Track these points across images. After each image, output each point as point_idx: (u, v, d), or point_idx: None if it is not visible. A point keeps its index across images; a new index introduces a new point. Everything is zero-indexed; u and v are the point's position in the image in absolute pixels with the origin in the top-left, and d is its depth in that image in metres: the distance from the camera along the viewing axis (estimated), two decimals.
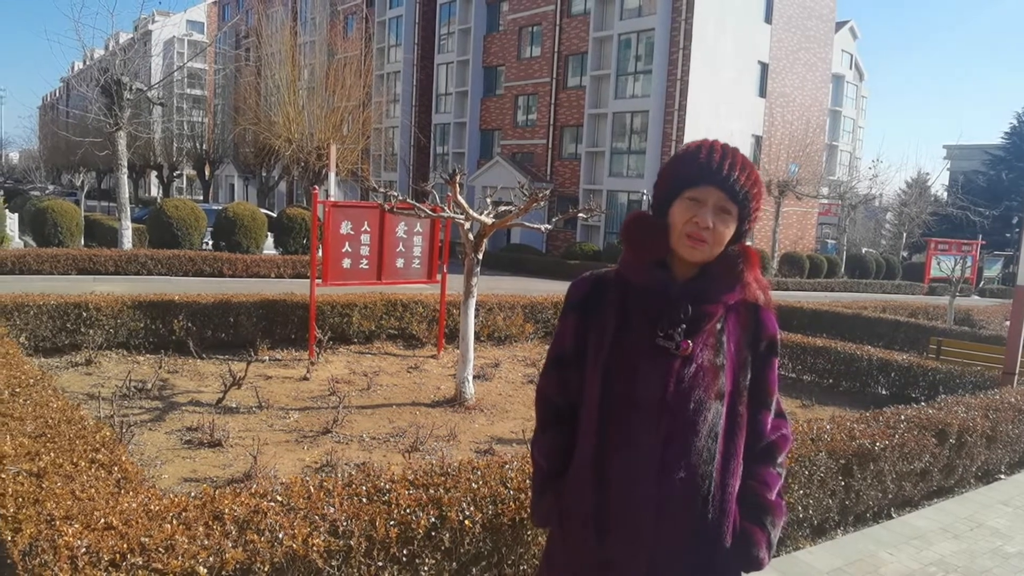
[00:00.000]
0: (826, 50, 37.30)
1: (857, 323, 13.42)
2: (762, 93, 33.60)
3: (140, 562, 2.44)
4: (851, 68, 53.72)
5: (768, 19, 33.08)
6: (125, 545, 2.53)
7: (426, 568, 2.94)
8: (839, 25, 44.61)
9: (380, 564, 2.82)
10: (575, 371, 1.82)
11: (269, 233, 21.66)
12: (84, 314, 8.38)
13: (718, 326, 1.73)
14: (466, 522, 3.02)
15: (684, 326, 1.69)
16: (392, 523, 2.87)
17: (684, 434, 1.67)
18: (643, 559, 1.68)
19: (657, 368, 1.68)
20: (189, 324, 8.83)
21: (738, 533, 1.74)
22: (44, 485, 3.05)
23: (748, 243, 1.79)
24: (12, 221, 20.83)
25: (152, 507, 2.85)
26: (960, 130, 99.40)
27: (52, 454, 3.41)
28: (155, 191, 57.97)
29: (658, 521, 1.67)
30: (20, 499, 2.91)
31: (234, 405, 6.88)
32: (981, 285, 36.90)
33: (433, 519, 2.96)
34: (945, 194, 47.69)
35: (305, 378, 8.14)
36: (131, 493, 3.03)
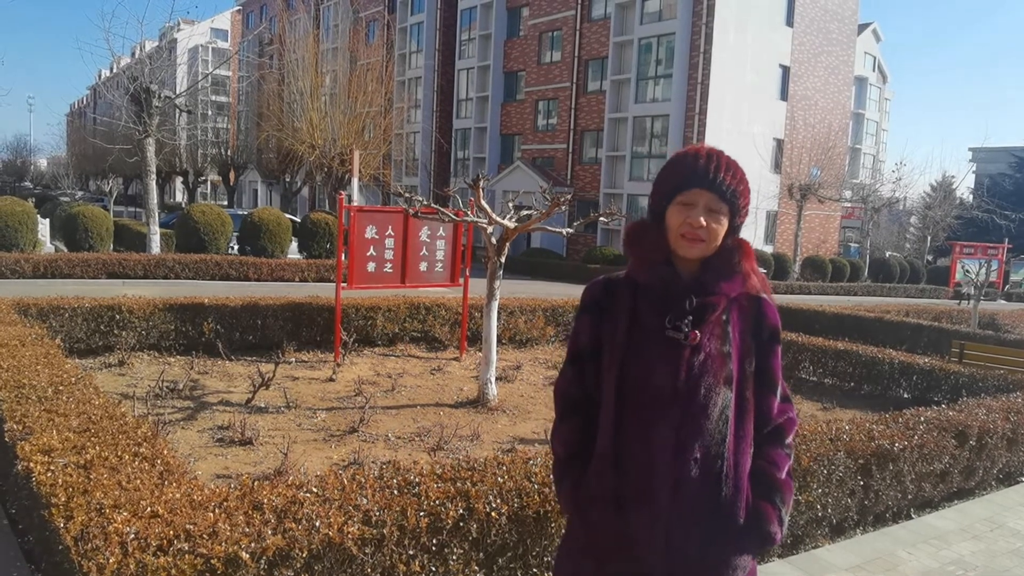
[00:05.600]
0: (848, 53, 37.08)
1: (879, 327, 13.37)
2: (783, 96, 33.48)
3: (186, 547, 2.58)
4: (874, 71, 53.25)
5: (789, 22, 32.97)
6: (171, 532, 2.68)
7: (454, 557, 3.07)
8: (862, 27, 44.29)
9: (411, 553, 2.95)
10: (591, 365, 1.96)
11: (293, 238, 21.95)
12: (117, 316, 8.62)
13: (723, 317, 1.86)
14: (492, 514, 3.15)
15: (690, 317, 1.82)
16: (422, 514, 3.00)
17: (697, 418, 1.80)
18: (660, 535, 1.80)
19: (669, 358, 1.82)
20: (218, 326, 9.04)
21: (751, 510, 1.87)
22: (92, 476, 3.21)
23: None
24: (43, 226, 21.28)
25: (195, 497, 3.00)
26: (986, 132, 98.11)
27: (97, 448, 3.57)
28: (180, 196, 58.81)
29: (675, 499, 1.79)
30: (70, 489, 3.06)
31: (263, 405, 7.05)
32: (1007, 289, 36.42)
33: (461, 510, 3.08)
34: (970, 197, 47.17)
35: (331, 379, 8.31)
36: (174, 484, 3.18)
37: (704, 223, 1.80)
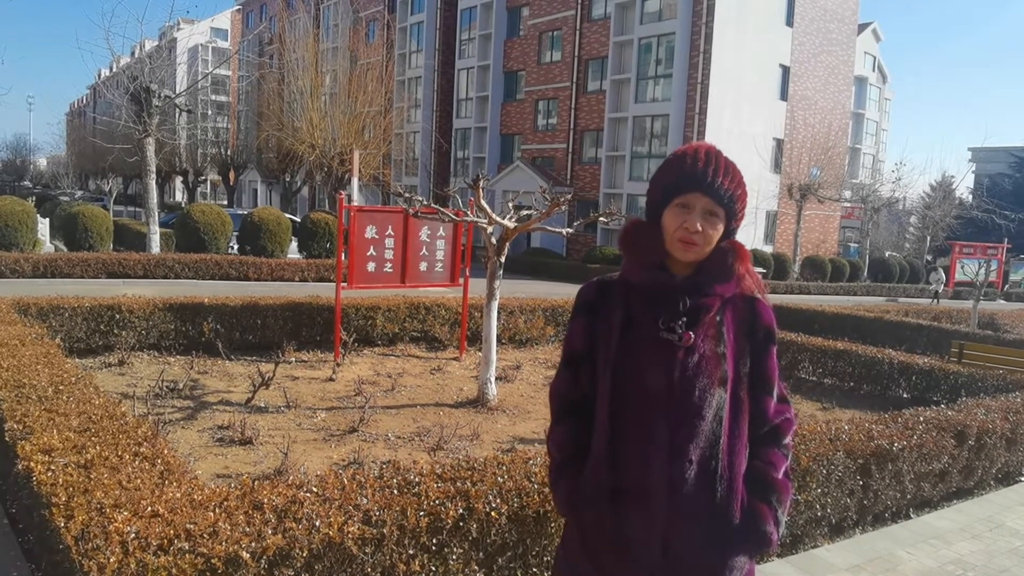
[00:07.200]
0: (848, 53, 37.10)
1: (879, 327, 13.39)
2: (783, 96, 33.50)
3: (187, 547, 2.59)
4: (874, 71, 53.26)
5: (789, 22, 32.97)
6: (172, 531, 2.68)
7: (454, 557, 3.07)
8: (862, 27, 44.28)
9: (411, 552, 2.96)
10: (586, 367, 1.96)
11: (293, 237, 21.96)
12: (117, 316, 8.62)
13: (717, 318, 1.86)
14: (492, 513, 3.15)
15: (684, 318, 1.82)
16: (422, 513, 3.00)
17: (691, 419, 1.80)
18: (657, 536, 1.80)
19: (663, 359, 1.81)
20: (218, 326, 9.04)
21: (746, 510, 1.86)
22: (92, 476, 3.22)
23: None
24: (43, 226, 21.27)
25: (195, 496, 3.00)
26: (986, 132, 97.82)
27: (98, 447, 3.57)
28: (180, 196, 58.79)
29: (671, 501, 1.79)
30: (71, 488, 3.07)
31: (263, 405, 7.05)
32: (1006, 288, 36.43)
33: (461, 510, 3.09)
34: (970, 197, 47.15)
35: (331, 379, 8.31)
36: (175, 484, 3.19)
37: (700, 228, 1.79)
